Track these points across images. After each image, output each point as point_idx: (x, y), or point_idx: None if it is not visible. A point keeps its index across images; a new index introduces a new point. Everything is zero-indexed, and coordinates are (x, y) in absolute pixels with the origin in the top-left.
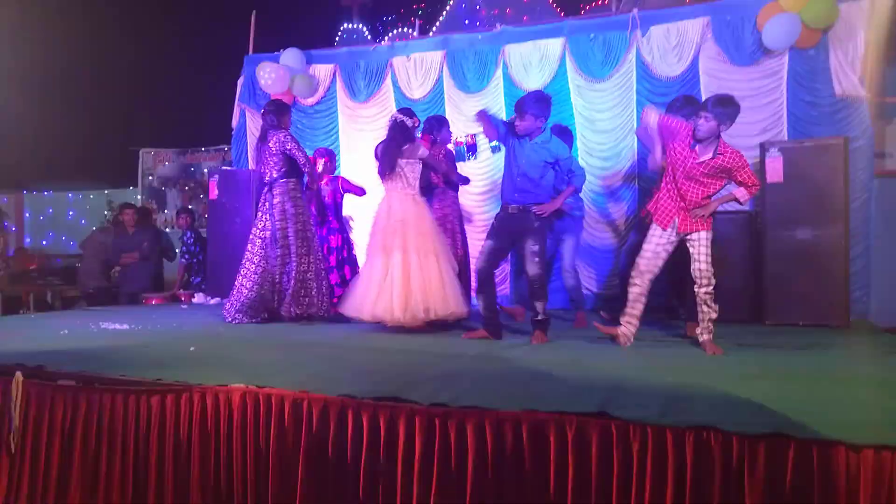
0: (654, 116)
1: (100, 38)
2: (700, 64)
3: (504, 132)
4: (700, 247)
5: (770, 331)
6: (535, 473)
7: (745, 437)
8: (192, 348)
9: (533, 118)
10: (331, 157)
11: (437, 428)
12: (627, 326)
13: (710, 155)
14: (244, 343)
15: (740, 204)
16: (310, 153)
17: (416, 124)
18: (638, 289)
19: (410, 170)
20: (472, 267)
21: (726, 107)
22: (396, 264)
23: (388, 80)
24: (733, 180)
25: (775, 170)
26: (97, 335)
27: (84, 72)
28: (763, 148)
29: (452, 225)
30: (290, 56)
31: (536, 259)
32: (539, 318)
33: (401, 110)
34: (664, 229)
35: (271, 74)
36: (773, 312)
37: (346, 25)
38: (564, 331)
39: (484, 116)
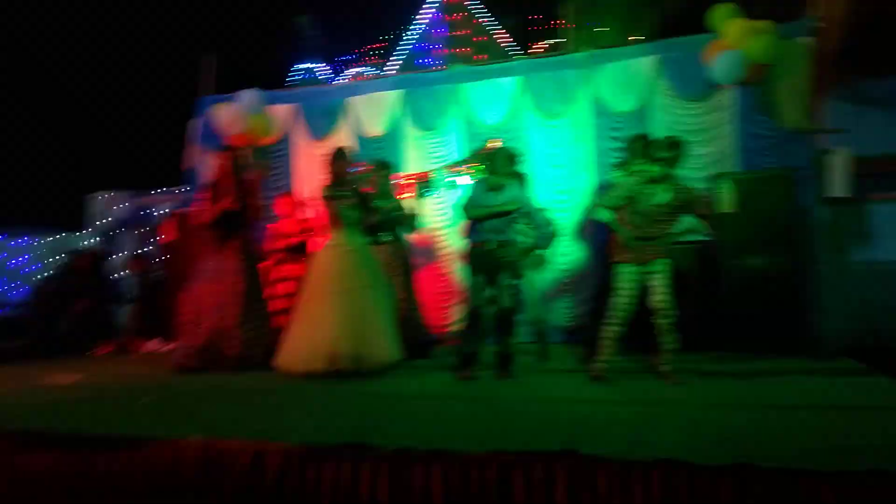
0: (602, 213)
1: (50, 79)
2: (652, 100)
3: (478, 194)
4: (660, 278)
5: (727, 358)
6: None
7: (712, 468)
8: (144, 399)
9: (504, 175)
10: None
11: (402, 473)
12: (605, 364)
13: (666, 192)
14: (198, 392)
15: (697, 233)
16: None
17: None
18: (617, 329)
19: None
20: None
21: (674, 149)
22: (328, 308)
23: (346, 120)
24: (690, 214)
25: (728, 200)
26: (45, 388)
27: (34, 117)
28: (715, 179)
29: (389, 272)
30: (247, 97)
31: (511, 293)
32: (505, 352)
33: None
34: (634, 266)
35: (228, 116)
36: (728, 339)
37: (301, 65)
38: (528, 365)
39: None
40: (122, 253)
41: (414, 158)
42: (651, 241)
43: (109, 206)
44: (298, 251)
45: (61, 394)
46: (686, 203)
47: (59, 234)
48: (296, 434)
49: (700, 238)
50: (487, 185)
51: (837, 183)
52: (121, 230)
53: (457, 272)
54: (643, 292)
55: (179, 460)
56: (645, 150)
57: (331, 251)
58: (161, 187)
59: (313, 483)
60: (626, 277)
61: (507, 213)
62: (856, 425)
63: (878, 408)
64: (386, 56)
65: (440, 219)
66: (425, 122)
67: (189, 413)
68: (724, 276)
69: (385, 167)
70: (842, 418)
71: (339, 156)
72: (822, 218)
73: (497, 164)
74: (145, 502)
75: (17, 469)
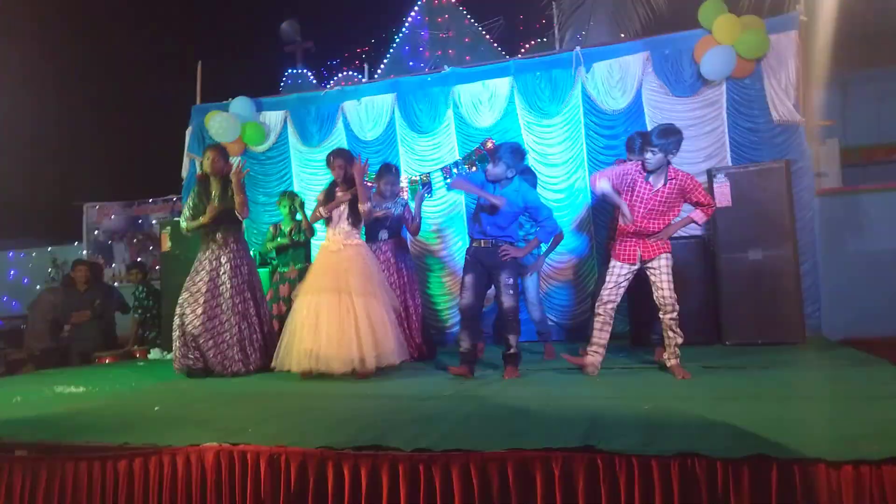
0: (601, 183)
1: (37, 90)
2: (643, 97)
3: (481, 181)
4: (661, 274)
5: (731, 351)
6: None
7: (729, 460)
8: (156, 407)
9: (505, 167)
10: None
11: (420, 474)
12: (594, 356)
13: (663, 182)
14: (210, 398)
15: (699, 225)
16: (270, 199)
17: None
18: (602, 318)
19: (341, 215)
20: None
21: (668, 136)
22: (325, 307)
23: (340, 124)
24: (689, 202)
25: (723, 194)
26: (53, 399)
27: (23, 128)
28: (710, 174)
29: (389, 273)
30: (240, 104)
31: (511, 292)
32: (511, 351)
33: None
34: (631, 263)
35: (222, 123)
36: (731, 332)
37: (290, 71)
38: (534, 363)
39: (460, 183)
40: (117, 263)
41: (410, 161)
42: (650, 235)
43: (101, 216)
44: (297, 252)
45: (71, 404)
46: (685, 190)
47: (50, 245)
48: (311, 438)
49: (698, 233)
50: (488, 178)
51: (831, 174)
52: (114, 240)
53: (459, 271)
54: (648, 288)
55: (196, 467)
56: (643, 145)
57: (326, 252)
58: (153, 196)
59: (333, 486)
60: (615, 271)
61: (497, 208)
62: (866, 413)
63: (885, 396)
64: (374, 60)
65: (439, 219)
66: (420, 125)
67: (203, 420)
68: (722, 271)
69: (389, 171)
70: (851, 407)
71: (341, 156)
72: (818, 208)
73: (503, 159)
74: None
75: (32, 481)
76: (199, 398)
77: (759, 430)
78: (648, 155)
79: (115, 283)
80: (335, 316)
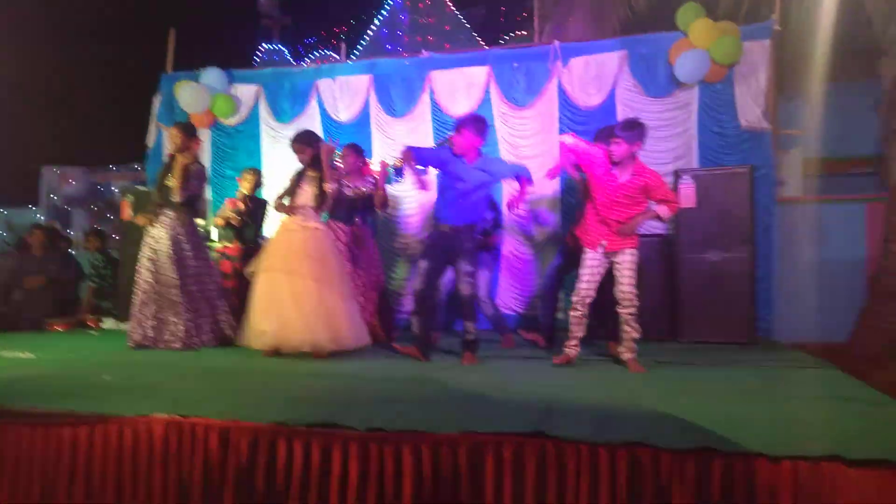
0: (570, 139)
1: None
2: (617, 95)
3: (443, 157)
4: (624, 269)
5: (684, 348)
6: (472, 496)
7: (675, 452)
8: (105, 376)
9: (471, 135)
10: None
11: (372, 454)
12: (574, 349)
13: (629, 176)
14: (163, 370)
15: (662, 221)
16: (238, 174)
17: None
18: (580, 313)
19: (306, 194)
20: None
21: (632, 129)
22: (277, 287)
23: (314, 102)
24: (653, 199)
25: (688, 196)
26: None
27: None
28: (676, 175)
29: (347, 254)
30: (212, 75)
31: (469, 280)
32: (470, 337)
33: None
34: (593, 250)
35: (192, 94)
36: (686, 330)
37: (266, 46)
38: (491, 351)
39: (411, 153)
40: (75, 230)
41: (384, 145)
42: (616, 226)
43: (62, 181)
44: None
45: (20, 370)
46: (649, 187)
47: (4, 208)
48: (264, 413)
49: (660, 232)
50: (456, 150)
51: (792, 182)
52: (73, 207)
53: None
54: (606, 282)
55: (144, 438)
56: (608, 136)
57: (284, 230)
58: (116, 164)
59: (283, 462)
60: (588, 263)
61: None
62: (808, 413)
63: (828, 397)
64: (352, 41)
65: (409, 203)
66: (395, 108)
67: (153, 391)
68: (682, 270)
69: (354, 151)
70: (795, 407)
71: (306, 139)
72: (778, 215)
73: (466, 126)
74: (110, 480)
75: None
76: (151, 369)
77: (706, 424)
78: (614, 147)
79: (72, 251)
80: (287, 297)
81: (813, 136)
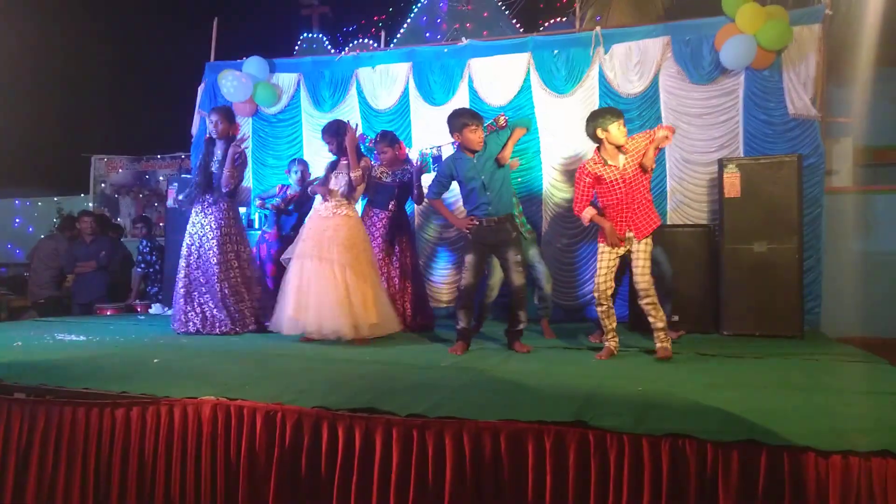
0: (585, 213)
1: (51, 39)
2: (660, 82)
3: (447, 171)
4: (639, 260)
5: (728, 340)
6: (512, 483)
7: (719, 444)
8: (155, 360)
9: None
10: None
11: (414, 439)
12: (613, 342)
13: (623, 158)
14: (210, 354)
15: (668, 141)
16: (279, 162)
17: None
18: (605, 307)
19: (337, 182)
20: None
21: (594, 119)
22: (307, 273)
23: (354, 91)
24: (646, 151)
25: (733, 185)
26: (53, 346)
27: (34, 75)
28: (721, 164)
29: (382, 241)
30: (253, 64)
31: (520, 269)
32: (521, 327)
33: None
34: (620, 245)
35: (234, 82)
36: (730, 322)
37: (306, 35)
38: (532, 340)
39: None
40: (123, 217)
41: (422, 133)
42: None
43: (109, 169)
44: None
45: (71, 352)
46: (637, 152)
47: (57, 196)
48: (308, 398)
49: (703, 222)
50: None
51: (842, 172)
52: (121, 195)
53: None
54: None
55: (193, 419)
56: (593, 135)
57: (317, 216)
58: (162, 152)
59: (327, 446)
60: (604, 257)
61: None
62: (858, 407)
63: (879, 392)
64: (391, 29)
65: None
66: (434, 96)
67: (201, 374)
68: (726, 261)
69: (385, 138)
70: (844, 400)
71: (331, 130)
72: (827, 206)
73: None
74: (161, 460)
75: (31, 423)
76: (198, 354)
77: (752, 416)
78: (598, 144)
79: (123, 237)
80: (317, 283)
81: (863, 123)
